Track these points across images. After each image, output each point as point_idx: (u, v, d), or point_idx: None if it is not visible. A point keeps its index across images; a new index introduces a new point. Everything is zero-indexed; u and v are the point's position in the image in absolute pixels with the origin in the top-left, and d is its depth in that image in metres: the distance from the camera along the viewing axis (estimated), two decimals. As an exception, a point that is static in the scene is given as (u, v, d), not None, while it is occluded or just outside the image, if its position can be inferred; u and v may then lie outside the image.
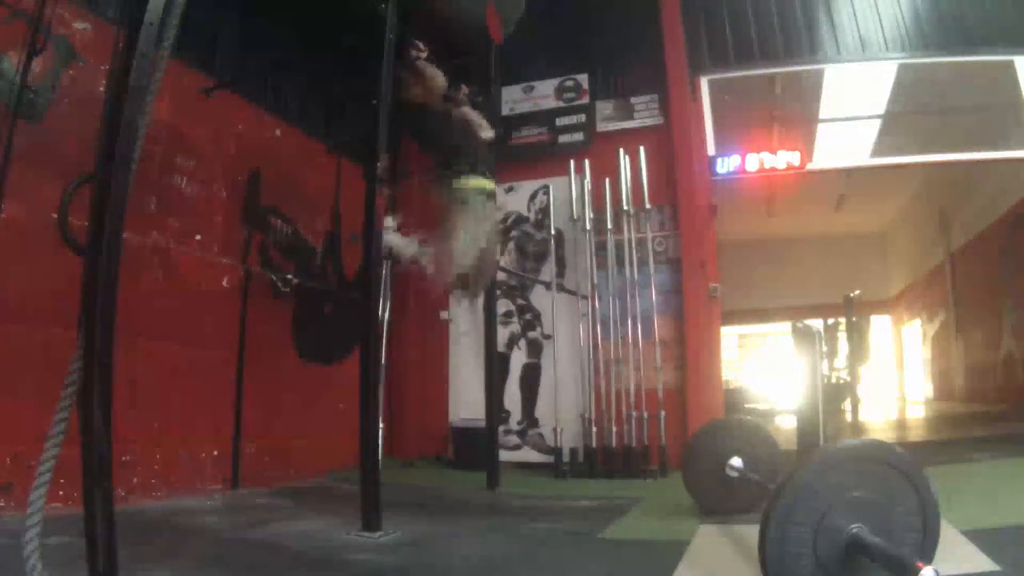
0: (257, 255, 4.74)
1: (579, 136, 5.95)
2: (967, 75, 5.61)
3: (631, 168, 5.63)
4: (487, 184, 3.81)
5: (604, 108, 5.97)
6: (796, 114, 6.30)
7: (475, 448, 5.00)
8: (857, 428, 8.21)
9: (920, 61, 5.61)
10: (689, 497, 3.40)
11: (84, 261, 1.79)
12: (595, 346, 5.50)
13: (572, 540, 3.03)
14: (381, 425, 3.28)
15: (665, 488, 4.42)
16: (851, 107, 6.01)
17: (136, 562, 2.16)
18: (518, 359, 5.85)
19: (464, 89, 4.25)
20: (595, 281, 5.58)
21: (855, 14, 5.69)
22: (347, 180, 5.48)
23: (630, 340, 5.43)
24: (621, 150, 5.65)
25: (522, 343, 5.87)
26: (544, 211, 5.94)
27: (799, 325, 2.87)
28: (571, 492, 4.45)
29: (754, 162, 5.74)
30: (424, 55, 3.89)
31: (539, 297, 5.86)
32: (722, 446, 3.29)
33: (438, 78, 3.84)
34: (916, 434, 7.57)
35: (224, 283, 4.44)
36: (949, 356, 11.26)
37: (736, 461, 3.21)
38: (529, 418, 5.72)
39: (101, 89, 3.45)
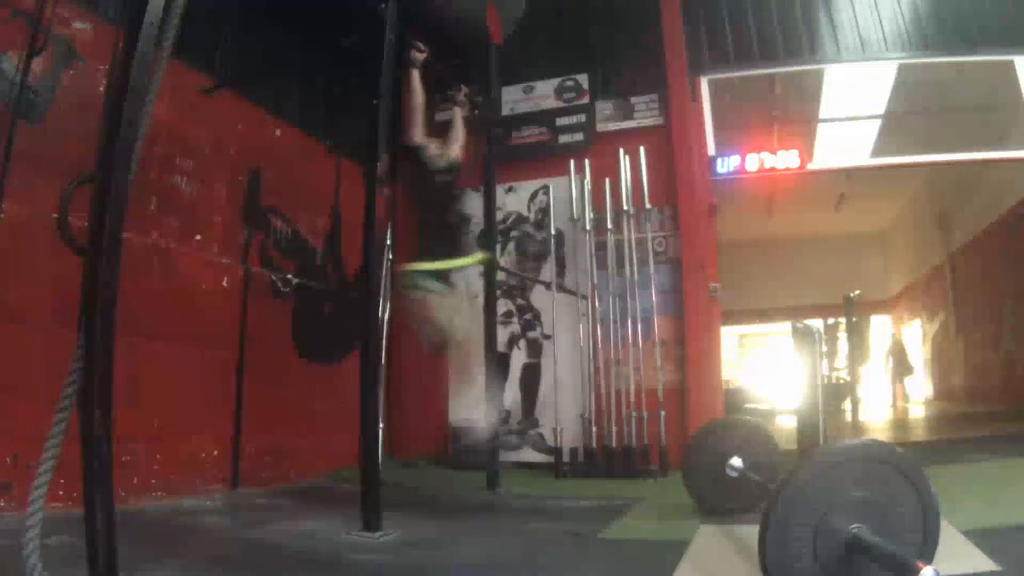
0: (257, 255, 4.74)
1: (579, 136, 5.94)
2: (967, 75, 5.61)
3: (631, 168, 5.63)
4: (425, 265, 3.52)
5: (604, 108, 5.96)
6: (796, 114, 6.30)
7: (475, 448, 5.00)
8: (857, 428, 8.21)
9: (920, 61, 5.61)
10: (689, 497, 3.40)
11: (84, 261, 1.79)
12: (595, 346, 5.49)
13: (572, 540, 3.02)
14: (381, 425, 3.28)
15: (665, 488, 4.42)
16: (851, 107, 6.01)
17: (136, 562, 2.16)
18: (518, 359, 5.85)
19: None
20: (595, 281, 5.57)
21: (855, 14, 5.69)
22: (347, 180, 5.48)
23: (630, 340, 5.43)
24: (621, 150, 5.65)
25: (522, 343, 5.86)
26: (544, 211, 5.94)
27: (799, 325, 2.87)
28: (571, 492, 4.45)
29: (754, 162, 5.74)
30: (423, 55, 3.89)
31: (539, 297, 5.86)
32: (722, 446, 3.29)
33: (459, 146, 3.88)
34: (916, 434, 7.57)
35: (224, 283, 4.44)
36: (949, 356, 11.26)
37: (736, 461, 3.21)
38: (529, 418, 5.72)
39: (101, 89, 3.45)
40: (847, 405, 10.35)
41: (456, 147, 3.99)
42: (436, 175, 3.80)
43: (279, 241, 4.98)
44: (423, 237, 3.79)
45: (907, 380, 12.06)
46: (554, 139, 6.02)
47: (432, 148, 3.84)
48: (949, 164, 6.28)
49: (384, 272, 3.67)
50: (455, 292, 3.56)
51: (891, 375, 12.32)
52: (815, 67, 5.84)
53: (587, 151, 5.81)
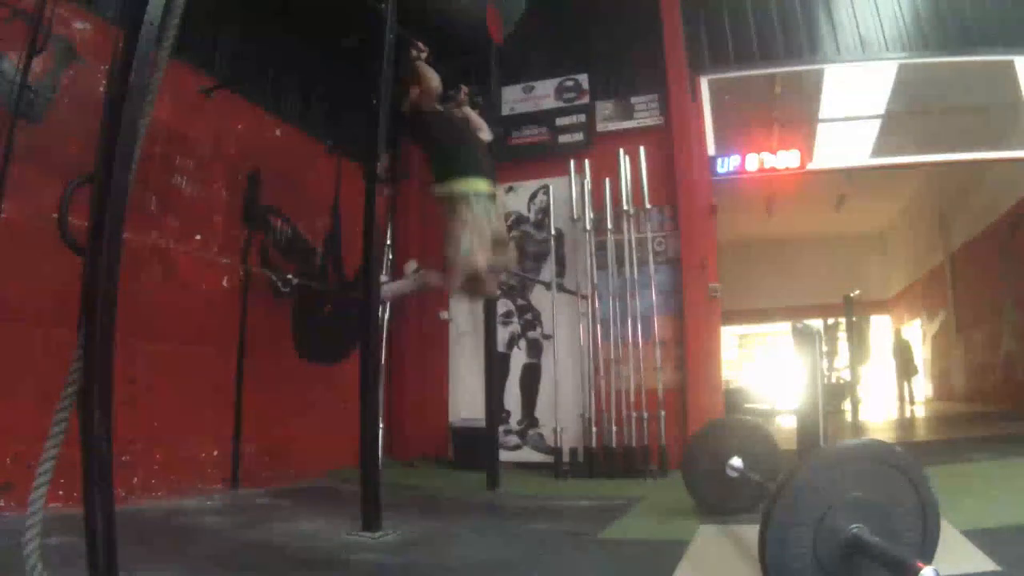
0: (257, 255, 4.74)
1: (579, 136, 5.95)
2: (967, 75, 5.61)
3: (631, 168, 5.62)
4: (485, 187, 3.76)
5: (604, 108, 5.96)
6: (796, 114, 6.30)
7: (475, 448, 5.00)
8: (857, 428, 8.21)
9: (920, 61, 5.61)
10: (689, 497, 3.40)
11: (84, 261, 1.79)
12: (595, 346, 5.49)
13: (572, 540, 3.03)
14: (381, 425, 3.28)
15: (665, 488, 4.41)
16: (851, 107, 6.01)
17: (136, 562, 2.16)
18: (518, 359, 5.85)
19: (464, 89, 4.25)
20: (595, 281, 5.57)
21: (855, 14, 5.69)
22: (347, 180, 5.48)
23: (630, 340, 5.43)
24: (621, 150, 5.64)
25: (522, 343, 5.86)
26: (544, 211, 5.93)
27: (799, 325, 2.87)
28: (571, 492, 4.45)
29: (754, 162, 5.74)
30: (424, 55, 3.89)
31: (539, 297, 5.85)
32: (722, 446, 3.28)
33: (434, 80, 3.82)
34: (916, 434, 7.57)
35: (224, 283, 4.44)
36: (949, 356, 11.26)
37: (736, 461, 3.21)
38: (529, 418, 5.72)
39: (101, 89, 3.45)
40: (847, 405, 10.36)
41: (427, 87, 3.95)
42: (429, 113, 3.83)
43: (279, 241, 4.98)
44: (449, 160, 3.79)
45: (913, 380, 12.01)
46: (554, 139, 6.02)
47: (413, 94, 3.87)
48: (949, 164, 6.28)
49: (384, 272, 3.67)
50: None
51: (897, 374, 12.30)
52: (815, 67, 5.85)
53: (587, 151, 5.81)
